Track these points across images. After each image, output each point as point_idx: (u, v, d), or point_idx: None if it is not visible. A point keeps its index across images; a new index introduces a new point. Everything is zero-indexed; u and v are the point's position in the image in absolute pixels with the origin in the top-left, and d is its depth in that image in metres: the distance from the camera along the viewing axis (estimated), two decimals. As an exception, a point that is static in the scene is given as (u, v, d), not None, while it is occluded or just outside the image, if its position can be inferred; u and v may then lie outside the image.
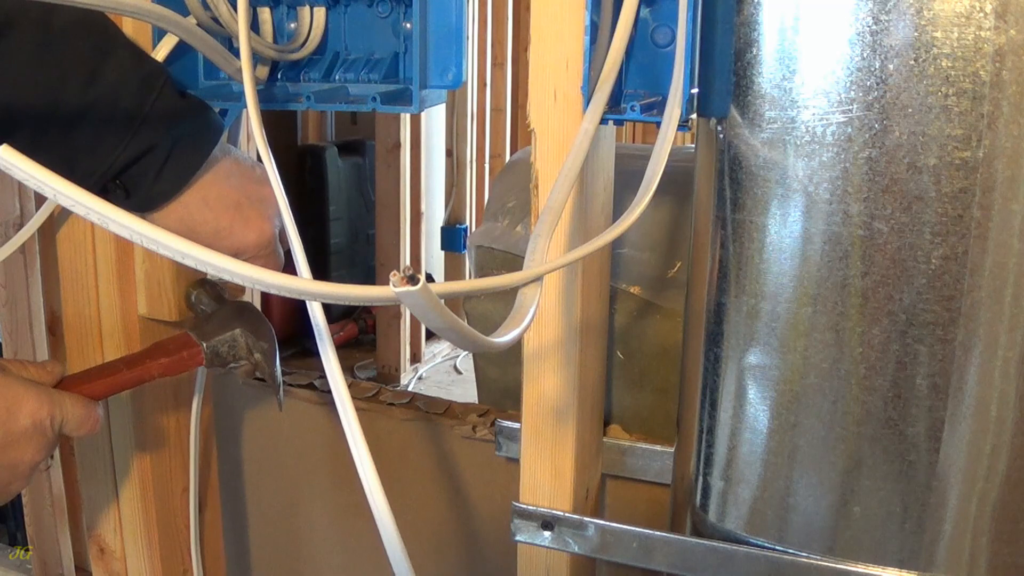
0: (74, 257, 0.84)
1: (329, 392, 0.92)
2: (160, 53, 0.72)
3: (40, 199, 1.08)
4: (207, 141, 0.70)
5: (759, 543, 0.59)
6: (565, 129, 0.60)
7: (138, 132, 0.66)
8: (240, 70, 0.67)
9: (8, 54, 0.63)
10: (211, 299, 0.80)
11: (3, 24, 0.63)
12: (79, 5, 0.59)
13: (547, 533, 0.66)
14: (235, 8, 0.70)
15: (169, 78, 0.68)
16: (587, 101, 0.56)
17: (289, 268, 0.77)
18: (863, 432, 0.54)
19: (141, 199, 0.68)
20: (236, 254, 0.73)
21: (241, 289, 0.98)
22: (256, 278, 0.40)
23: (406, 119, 2.27)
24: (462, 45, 0.70)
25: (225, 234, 0.72)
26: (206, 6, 0.69)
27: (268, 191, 0.75)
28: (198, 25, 0.69)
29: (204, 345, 0.74)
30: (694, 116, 0.57)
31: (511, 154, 2.73)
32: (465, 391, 2.33)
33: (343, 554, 0.97)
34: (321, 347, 0.59)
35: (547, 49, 0.59)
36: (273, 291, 0.41)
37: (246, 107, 0.74)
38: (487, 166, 2.69)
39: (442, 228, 2.64)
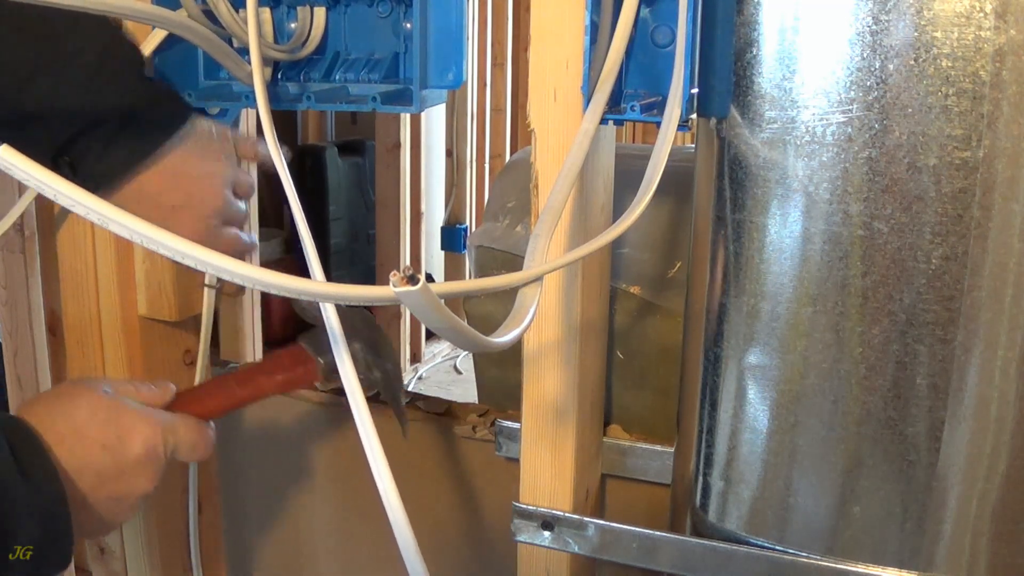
0: (74, 257, 0.84)
1: (329, 392, 0.92)
2: (148, 46, 0.72)
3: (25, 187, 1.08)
4: (162, 129, 0.68)
5: (759, 543, 0.59)
6: (565, 129, 0.60)
7: (86, 106, 0.65)
8: (249, 74, 0.67)
9: None
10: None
11: None
12: (92, 11, 0.59)
13: (547, 533, 0.66)
14: (236, 9, 0.70)
15: (138, 59, 0.68)
16: (587, 101, 0.56)
17: (294, 269, 0.76)
18: (863, 432, 0.54)
19: (86, 177, 0.67)
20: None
21: (241, 289, 0.99)
22: (256, 278, 0.40)
23: (406, 119, 2.27)
24: (462, 45, 0.70)
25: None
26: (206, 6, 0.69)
27: (208, 185, 0.72)
28: (195, 22, 0.69)
29: (320, 361, 0.69)
30: (694, 116, 0.57)
31: (511, 154, 2.73)
32: (465, 391, 2.33)
33: (343, 554, 0.97)
34: (335, 350, 0.58)
35: (547, 49, 0.59)
36: (273, 291, 0.41)
37: (247, 107, 0.75)
38: (487, 166, 2.69)
39: (442, 228, 2.64)
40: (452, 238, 2.64)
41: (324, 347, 0.69)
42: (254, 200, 1.01)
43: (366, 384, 0.70)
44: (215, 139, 0.71)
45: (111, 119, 0.66)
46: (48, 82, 0.65)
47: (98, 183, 0.68)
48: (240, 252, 0.76)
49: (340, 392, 0.65)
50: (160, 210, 0.71)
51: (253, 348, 1.18)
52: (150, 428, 0.59)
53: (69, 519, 0.53)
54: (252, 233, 0.81)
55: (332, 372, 0.68)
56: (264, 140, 0.68)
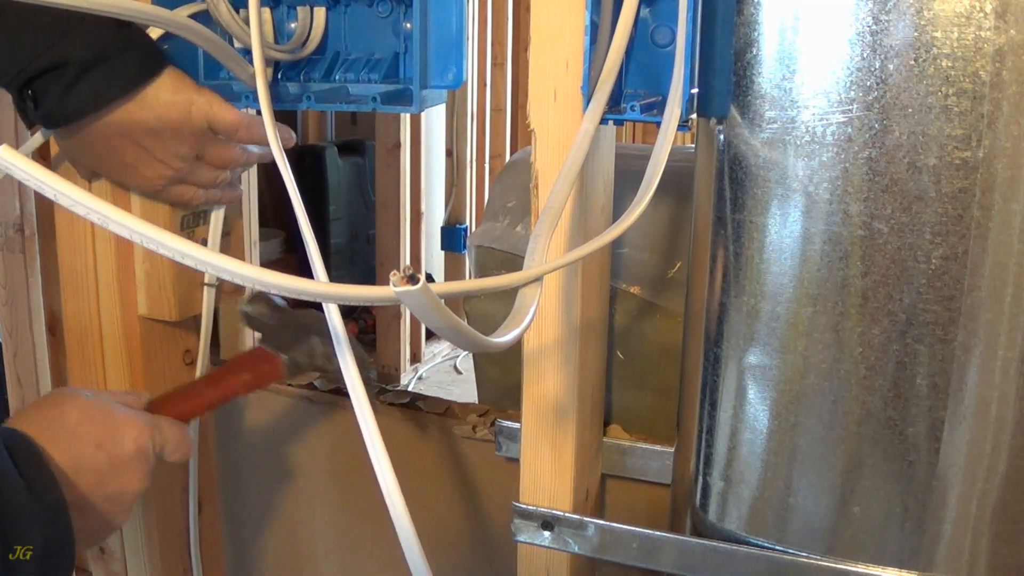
0: (74, 257, 0.84)
1: (329, 392, 0.92)
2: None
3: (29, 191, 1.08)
4: (128, 78, 0.69)
5: (759, 543, 0.59)
6: (565, 129, 0.60)
7: (56, 44, 0.65)
8: (251, 75, 0.67)
9: None
10: (270, 310, 0.77)
11: None
12: (91, 11, 0.59)
13: (547, 533, 0.66)
14: (237, 9, 0.70)
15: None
16: (587, 101, 0.56)
17: (294, 269, 0.76)
18: (863, 432, 0.54)
19: (47, 112, 0.68)
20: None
21: (241, 288, 0.99)
22: (255, 278, 0.40)
23: (406, 119, 2.27)
24: (462, 45, 0.70)
25: (131, 171, 0.73)
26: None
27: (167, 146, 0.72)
28: (196, 22, 0.69)
29: (283, 357, 0.72)
30: (694, 116, 0.57)
31: (511, 154, 2.73)
32: (465, 391, 2.33)
33: (343, 554, 0.97)
34: (338, 348, 0.58)
35: (547, 49, 0.59)
36: (273, 291, 0.41)
37: (248, 107, 0.74)
38: (487, 166, 2.69)
39: (442, 228, 2.64)
40: (452, 238, 2.63)
41: (284, 345, 0.73)
42: (254, 199, 1.01)
43: (330, 374, 0.75)
44: (184, 102, 0.71)
45: (76, 61, 0.66)
46: (17, 18, 0.65)
47: (56, 122, 0.70)
48: (189, 200, 0.78)
49: (340, 392, 0.65)
50: (106, 159, 0.72)
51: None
52: (139, 426, 0.60)
53: (70, 525, 0.54)
54: (234, 186, 0.81)
55: (295, 367, 0.73)
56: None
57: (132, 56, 0.69)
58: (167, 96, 0.70)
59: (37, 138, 0.79)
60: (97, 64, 0.67)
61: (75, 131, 0.71)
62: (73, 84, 0.67)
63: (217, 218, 0.85)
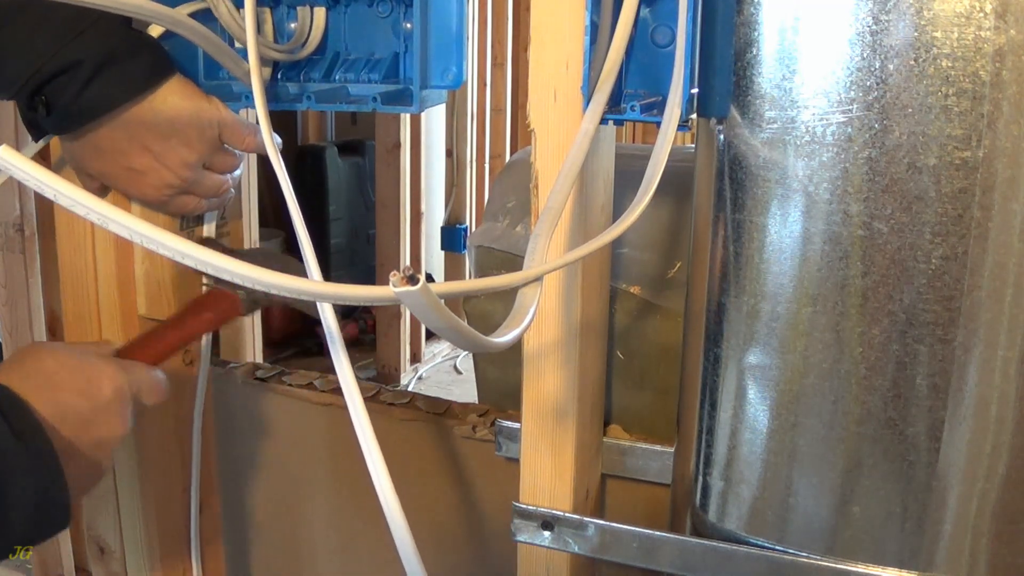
0: (74, 257, 0.84)
1: (329, 392, 0.92)
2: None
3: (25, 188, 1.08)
4: (141, 79, 0.69)
5: (759, 543, 0.59)
6: (565, 129, 0.60)
7: (69, 45, 0.66)
8: (248, 73, 0.67)
9: None
10: (222, 251, 0.78)
11: None
12: (92, 6, 0.59)
13: (547, 533, 0.66)
14: (238, 9, 0.70)
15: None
16: (587, 101, 0.56)
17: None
18: (863, 432, 0.54)
19: (60, 116, 0.69)
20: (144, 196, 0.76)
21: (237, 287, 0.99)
22: (255, 278, 0.40)
23: (406, 119, 2.27)
24: (463, 45, 0.70)
25: (137, 176, 0.73)
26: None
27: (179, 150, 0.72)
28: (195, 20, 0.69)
29: (241, 293, 0.73)
30: (694, 116, 0.57)
31: (511, 154, 2.73)
32: (465, 391, 2.33)
33: (343, 554, 0.97)
34: (332, 349, 0.58)
35: (547, 49, 0.59)
36: (273, 291, 0.41)
37: (247, 107, 0.75)
38: (487, 166, 2.69)
39: (442, 228, 2.64)
40: (452, 238, 2.64)
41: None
42: (254, 198, 1.01)
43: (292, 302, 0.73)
44: (193, 108, 0.71)
45: (89, 61, 0.67)
46: (27, 22, 0.66)
47: (70, 124, 0.70)
48: (192, 211, 0.78)
49: (340, 391, 0.64)
50: (115, 166, 0.72)
51: (253, 348, 1.18)
52: (114, 372, 0.61)
53: (62, 471, 0.54)
54: (231, 193, 0.81)
55: (253, 304, 0.73)
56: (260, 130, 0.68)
57: (143, 58, 0.69)
58: (176, 101, 0.71)
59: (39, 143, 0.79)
60: (110, 64, 0.67)
61: (85, 134, 0.71)
62: (88, 83, 0.67)
63: (211, 218, 0.85)
